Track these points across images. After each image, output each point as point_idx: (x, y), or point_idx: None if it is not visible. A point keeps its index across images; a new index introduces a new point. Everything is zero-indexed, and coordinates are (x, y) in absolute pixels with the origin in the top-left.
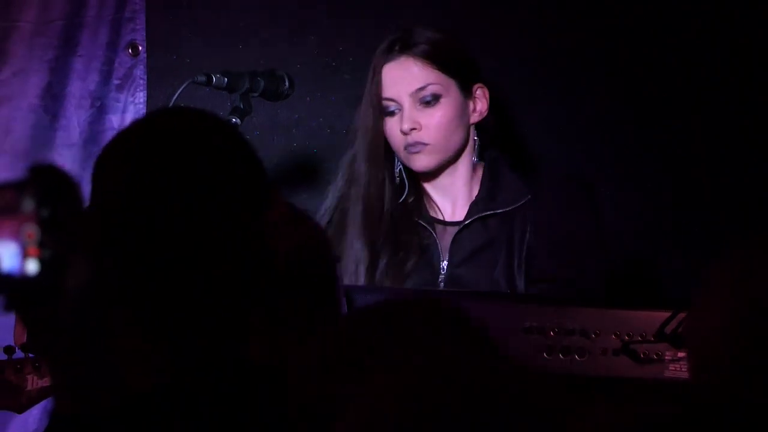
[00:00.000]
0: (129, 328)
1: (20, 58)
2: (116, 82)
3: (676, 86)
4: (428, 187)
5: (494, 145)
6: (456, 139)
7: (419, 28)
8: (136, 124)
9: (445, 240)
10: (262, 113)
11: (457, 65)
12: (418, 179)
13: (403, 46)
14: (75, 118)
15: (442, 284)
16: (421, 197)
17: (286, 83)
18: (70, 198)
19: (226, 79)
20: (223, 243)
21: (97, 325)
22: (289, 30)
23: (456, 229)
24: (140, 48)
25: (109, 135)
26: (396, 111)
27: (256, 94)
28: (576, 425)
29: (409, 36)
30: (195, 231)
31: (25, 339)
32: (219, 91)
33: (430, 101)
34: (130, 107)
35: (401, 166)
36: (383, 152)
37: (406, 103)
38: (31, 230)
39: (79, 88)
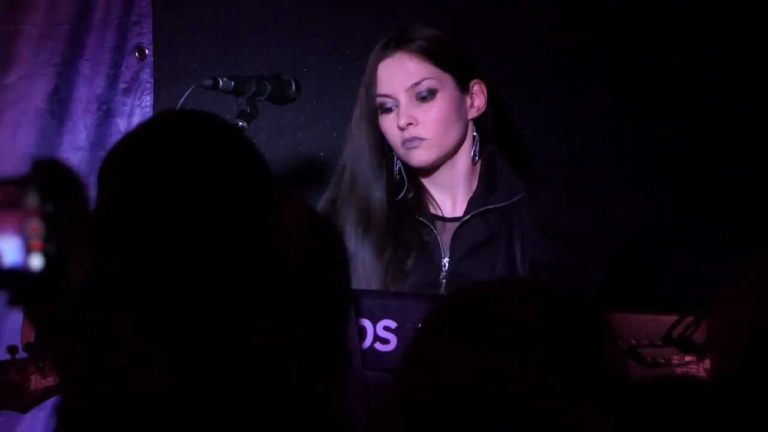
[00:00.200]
0: (134, 330)
1: (27, 62)
2: (123, 85)
3: (676, 86)
4: (427, 183)
5: (493, 141)
6: (453, 134)
7: (415, 25)
8: (144, 126)
9: (445, 236)
10: (269, 117)
11: (453, 61)
12: (417, 176)
13: (398, 43)
14: (81, 122)
15: (443, 281)
16: (420, 194)
17: (293, 87)
18: (73, 193)
19: (232, 82)
20: (230, 245)
21: (102, 325)
22: (296, 33)
23: (456, 225)
24: (147, 51)
25: (115, 139)
26: (393, 107)
27: (262, 98)
28: (576, 425)
29: (404, 33)
30: (202, 233)
31: (31, 339)
32: (225, 94)
33: (426, 96)
34: (136, 111)
35: (400, 164)
36: (380, 150)
37: (403, 98)
38: (35, 225)
39: (85, 92)
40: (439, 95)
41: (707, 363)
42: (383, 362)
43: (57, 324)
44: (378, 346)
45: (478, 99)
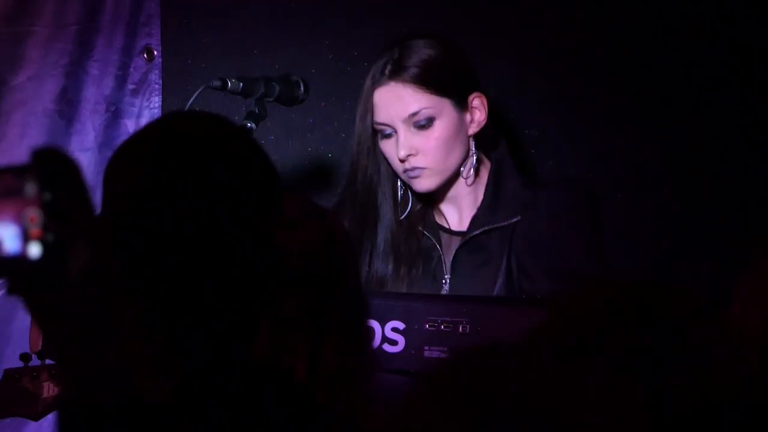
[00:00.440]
0: (137, 329)
1: (35, 63)
2: (131, 86)
3: (676, 86)
4: (434, 196)
5: (498, 144)
6: (455, 157)
7: (412, 42)
8: (153, 126)
9: (449, 252)
10: (277, 118)
11: (450, 83)
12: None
13: (392, 71)
14: (90, 123)
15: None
16: (428, 205)
17: (301, 88)
18: (72, 182)
19: (241, 84)
20: (233, 246)
21: (103, 319)
22: (304, 35)
23: (459, 240)
24: (155, 53)
25: (124, 140)
26: (391, 134)
27: (271, 99)
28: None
29: (399, 57)
30: (205, 234)
31: (40, 346)
32: (234, 95)
33: (425, 124)
34: (145, 112)
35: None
36: (382, 170)
37: (401, 128)
38: (34, 213)
39: (94, 93)
40: (437, 122)
41: None
42: (391, 363)
43: (57, 314)
44: (386, 347)
45: (478, 113)
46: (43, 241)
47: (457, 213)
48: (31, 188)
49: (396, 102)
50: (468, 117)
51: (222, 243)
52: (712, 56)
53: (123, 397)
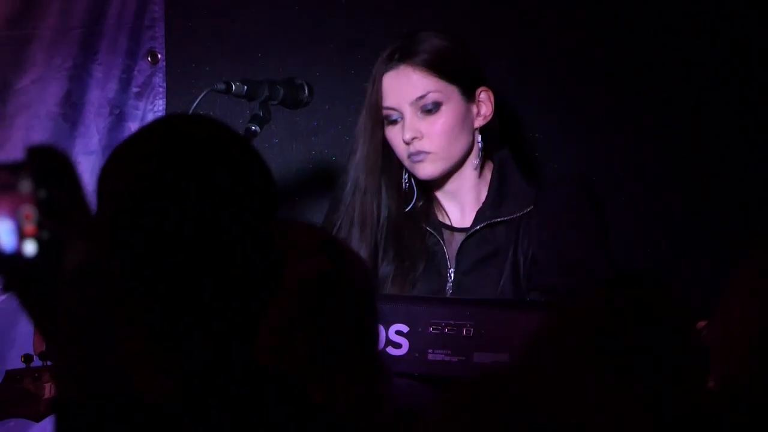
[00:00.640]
0: (137, 329)
1: (39, 66)
2: (135, 89)
3: (676, 86)
4: (437, 192)
5: (502, 145)
6: (459, 146)
7: (422, 33)
8: (155, 126)
9: (452, 247)
10: (281, 121)
11: (459, 71)
12: (426, 184)
13: (402, 55)
14: (94, 126)
15: (449, 291)
16: (430, 202)
17: (306, 91)
18: (68, 179)
19: (245, 87)
20: (234, 247)
21: (101, 318)
22: (308, 38)
23: (463, 235)
24: (159, 56)
25: None
26: (398, 119)
27: (275, 102)
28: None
29: (409, 44)
30: (207, 234)
31: (44, 347)
32: (238, 99)
33: (431, 109)
34: (149, 115)
35: (409, 173)
36: (386, 160)
37: (407, 111)
38: (29, 211)
39: (98, 96)
40: (444, 108)
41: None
42: (395, 366)
43: (54, 313)
44: (390, 350)
45: (484, 107)
46: (38, 238)
47: (460, 211)
48: (26, 185)
49: (405, 84)
50: (475, 109)
51: (222, 243)
52: (712, 56)
53: (123, 397)
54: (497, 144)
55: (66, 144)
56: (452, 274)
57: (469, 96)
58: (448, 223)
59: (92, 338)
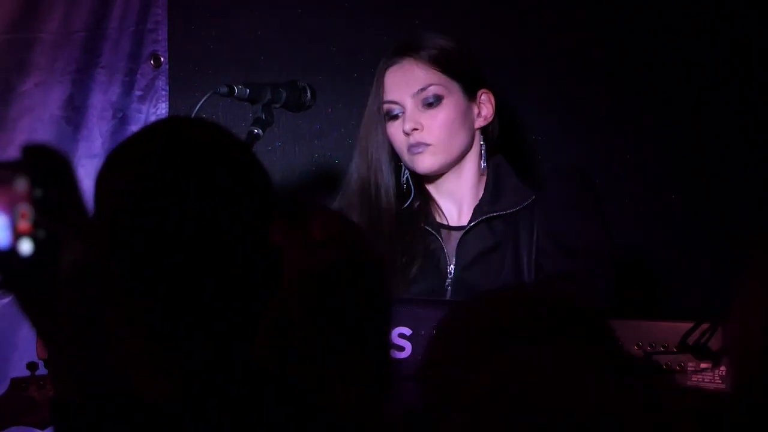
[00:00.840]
0: (137, 328)
1: (42, 70)
2: (138, 93)
3: (676, 86)
4: (434, 192)
5: (500, 149)
6: (459, 141)
7: (426, 32)
8: (155, 127)
9: (450, 244)
10: (284, 124)
11: (462, 69)
12: (424, 185)
13: (406, 50)
14: (97, 129)
15: (449, 288)
16: (427, 203)
17: (308, 94)
18: (64, 179)
19: (248, 90)
20: (234, 247)
21: (100, 318)
22: (311, 41)
23: (461, 233)
24: (162, 59)
25: None
26: (399, 114)
27: (278, 105)
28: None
29: (413, 40)
30: (207, 235)
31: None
32: (241, 102)
33: (432, 102)
34: (152, 118)
35: (408, 173)
36: (387, 158)
37: (409, 104)
38: (25, 209)
39: (101, 100)
40: (445, 101)
41: (723, 369)
42: (398, 369)
43: (51, 312)
44: (393, 353)
45: (485, 108)
46: (34, 237)
47: (457, 210)
48: (22, 184)
49: (407, 77)
50: (475, 109)
51: (222, 243)
52: (712, 56)
53: (123, 397)
54: (497, 147)
55: (69, 147)
56: (452, 271)
57: (471, 95)
58: (445, 223)
59: (92, 338)
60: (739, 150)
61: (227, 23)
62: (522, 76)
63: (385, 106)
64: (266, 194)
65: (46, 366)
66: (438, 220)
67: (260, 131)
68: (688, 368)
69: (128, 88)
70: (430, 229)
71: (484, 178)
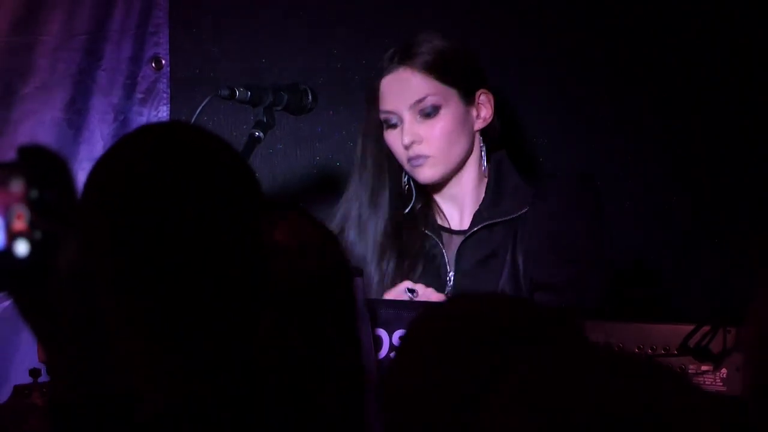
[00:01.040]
0: (137, 329)
1: (44, 72)
2: (139, 95)
3: (676, 86)
4: (436, 195)
5: (501, 146)
6: (459, 149)
7: (421, 35)
8: (152, 129)
9: (451, 249)
10: (286, 127)
11: (458, 74)
12: (425, 188)
13: (401, 58)
14: (98, 132)
15: (449, 295)
16: (429, 205)
17: (309, 97)
18: (60, 180)
19: (249, 92)
20: (234, 248)
21: (98, 320)
22: (312, 43)
23: (462, 238)
24: (163, 62)
25: None
26: (397, 123)
27: (279, 108)
28: None
29: (407, 47)
30: (207, 236)
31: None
32: (242, 104)
33: (430, 113)
34: (153, 121)
35: (408, 176)
36: (386, 163)
37: (406, 115)
38: (21, 210)
39: (102, 102)
40: (443, 111)
41: (724, 372)
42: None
43: (48, 312)
44: (394, 356)
45: (484, 109)
46: (29, 238)
47: (459, 214)
48: (17, 185)
49: (403, 87)
50: (474, 112)
51: (222, 244)
52: (712, 56)
53: (122, 397)
54: (497, 146)
55: (70, 150)
56: (451, 277)
57: (469, 99)
58: (446, 226)
59: (92, 338)
60: (739, 150)
61: (229, 26)
62: (522, 76)
63: (382, 116)
64: (259, 196)
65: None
66: (439, 222)
67: (261, 134)
68: (690, 371)
69: (130, 90)
70: (431, 234)
71: (486, 179)
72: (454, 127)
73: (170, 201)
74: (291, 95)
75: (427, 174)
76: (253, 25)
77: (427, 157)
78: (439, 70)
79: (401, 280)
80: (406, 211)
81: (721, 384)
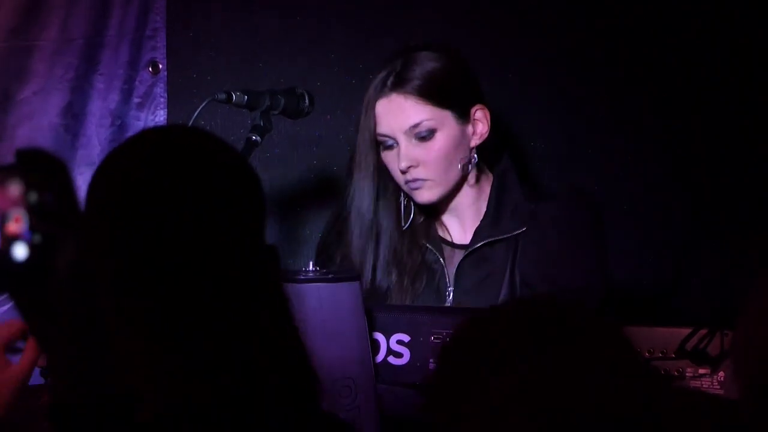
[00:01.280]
0: (137, 329)
1: (41, 77)
2: (137, 100)
3: (676, 86)
4: (436, 207)
5: (502, 155)
6: (456, 169)
7: (414, 55)
8: (151, 132)
9: (452, 264)
10: (283, 131)
11: (453, 95)
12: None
13: (394, 83)
14: (96, 137)
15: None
16: (430, 218)
17: (306, 101)
18: (59, 183)
19: (246, 96)
20: (233, 249)
21: (98, 321)
22: (309, 48)
23: (463, 253)
24: (160, 66)
25: None
26: (393, 145)
27: (276, 112)
28: None
29: (401, 70)
30: (206, 236)
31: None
32: (239, 108)
33: (426, 136)
34: (150, 125)
35: None
36: (383, 178)
37: (402, 139)
38: (18, 212)
39: (99, 107)
40: (438, 134)
41: (721, 375)
42: (396, 376)
43: (47, 313)
44: (391, 359)
45: (480, 125)
46: (28, 241)
47: (460, 226)
48: (15, 188)
49: (397, 114)
50: (470, 129)
51: (221, 245)
52: (712, 56)
53: (122, 397)
54: (494, 156)
55: (68, 155)
56: (451, 293)
57: (464, 117)
58: (448, 238)
59: (92, 338)
60: (739, 150)
61: (226, 30)
62: (522, 76)
63: (379, 138)
64: (260, 196)
65: (41, 374)
66: (441, 234)
67: (259, 138)
68: (687, 374)
69: (127, 95)
70: (432, 248)
71: (486, 189)
72: (450, 149)
73: (168, 204)
74: (288, 99)
75: (425, 196)
76: (250, 30)
77: (424, 180)
78: (432, 94)
79: (402, 297)
80: (406, 226)
81: (718, 387)
